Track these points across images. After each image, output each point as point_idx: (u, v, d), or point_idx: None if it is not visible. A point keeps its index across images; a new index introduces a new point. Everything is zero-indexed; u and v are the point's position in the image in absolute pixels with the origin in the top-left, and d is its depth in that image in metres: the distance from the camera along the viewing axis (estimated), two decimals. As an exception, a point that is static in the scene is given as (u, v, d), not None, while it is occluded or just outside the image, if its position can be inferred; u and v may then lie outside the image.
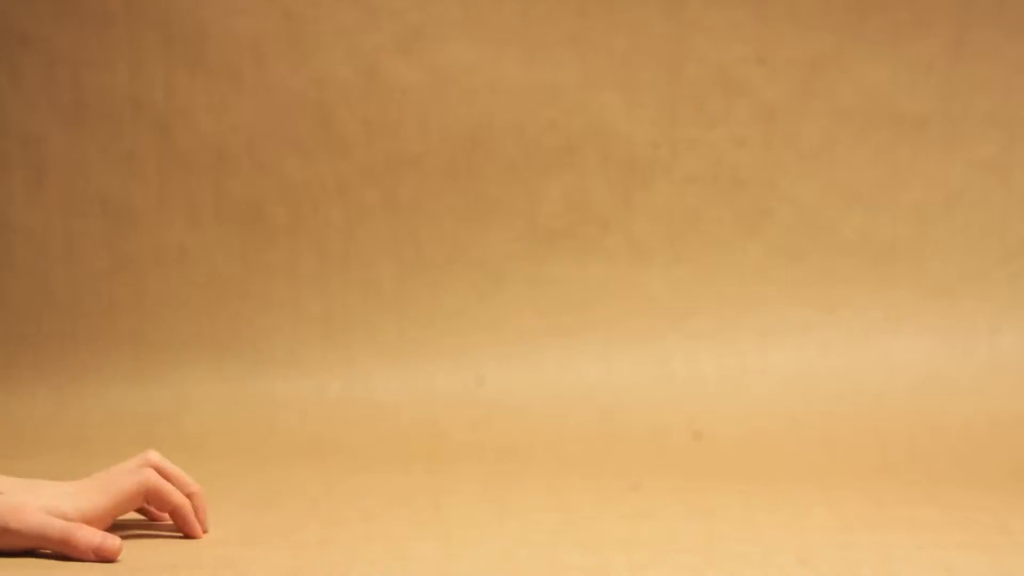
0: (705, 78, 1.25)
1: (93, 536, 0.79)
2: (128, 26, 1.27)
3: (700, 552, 0.82)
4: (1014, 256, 1.25)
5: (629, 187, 1.27)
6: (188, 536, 0.85)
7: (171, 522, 0.86)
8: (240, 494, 0.99)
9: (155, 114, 1.27)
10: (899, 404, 1.21)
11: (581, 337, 1.27)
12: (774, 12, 1.24)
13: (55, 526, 0.79)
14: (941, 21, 1.24)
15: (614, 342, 1.26)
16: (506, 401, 1.24)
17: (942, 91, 1.25)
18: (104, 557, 0.79)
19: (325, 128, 1.27)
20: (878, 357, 1.24)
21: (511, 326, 1.27)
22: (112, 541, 0.79)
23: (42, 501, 0.80)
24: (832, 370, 1.24)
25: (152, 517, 0.88)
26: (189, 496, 0.85)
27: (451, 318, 1.27)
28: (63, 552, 0.79)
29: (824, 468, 1.10)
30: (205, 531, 0.86)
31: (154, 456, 0.86)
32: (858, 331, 1.25)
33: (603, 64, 1.26)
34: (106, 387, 1.26)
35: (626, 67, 1.26)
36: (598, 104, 1.26)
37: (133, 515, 0.86)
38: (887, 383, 1.22)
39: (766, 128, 1.26)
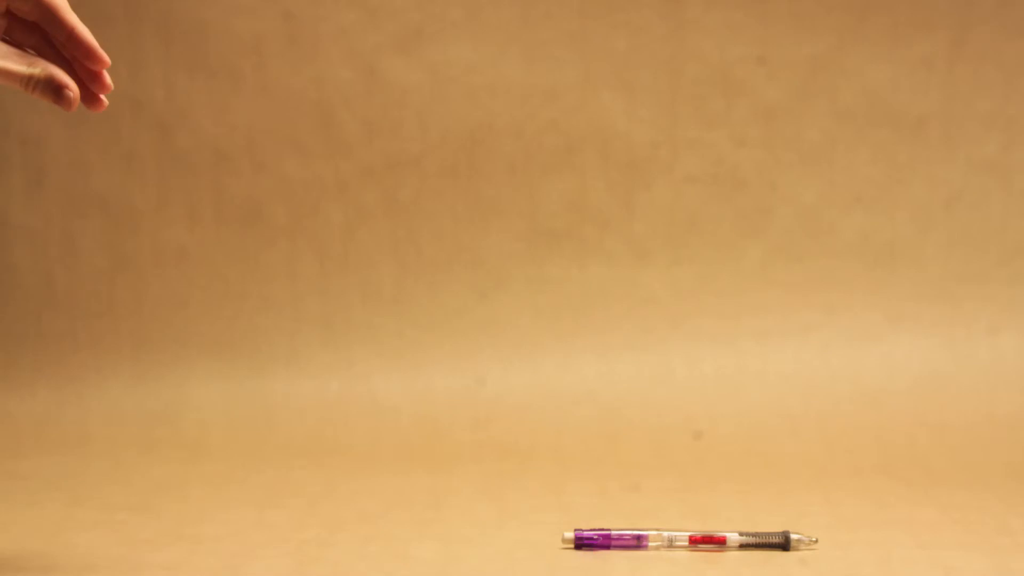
0: (705, 78, 1.25)
1: None
2: (128, 26, 1.27)
3: (699, 552, 0.82)
4: (1014, 257, 1.25)
5: (629, 187, 1.27)
6: (91, 72, 0.73)
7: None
8: (240, 494, 0.99)
9: (155, 114, 1.27)
10: (899, 404, 1.21)
11: (581, 337, 1.27)
12: (774, 12, 1.24)
13: None
14: (941, 21, 1.24)
15: (614, 342, 1.26)
16: (506, 401, 1.24)
17: (942, 91, 1.25)
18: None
19: (325, 128, 1.27)
20: (878, 358, 1.24)
21: (511, 326, 1.27)
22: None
23: None
24: (832, 370, 1.24)
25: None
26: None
27: (451, 318, 1.27)
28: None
29: (824, 468, 1.10)
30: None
31: None
32: (858, 331, 1.25)
33: (603, 64, 1.26)
34: (106, 387, 1.26)
35: (626, 67, 1.26)
36: (598, 104, 1.26)
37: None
38: (887, 383, 1.22)
39: (766, 128, 1.26)
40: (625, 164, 1.27)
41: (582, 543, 0.81)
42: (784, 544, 0.81)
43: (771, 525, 0.87)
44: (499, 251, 1.27)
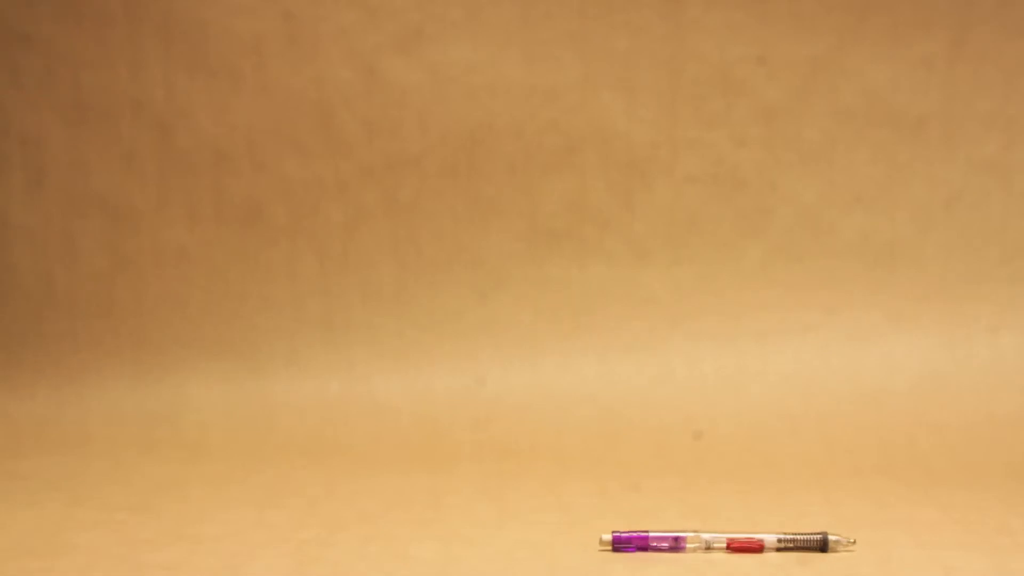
0: (705, 78, 1.25)
1: None
2: (128, 26, 1.27)
3: (699, 552, 0.82)
4: (1014, 257, 1.25)
5: (629, 187, 1.27)
6: None
7: None
8: (240, 494, 0.99)
9: (155, 114, 1.27)
10: (899, 404, 1.21)
11: (581, 337, 1.27)
12: (774, 12, 1.24)
13: None
14: (941, 21, 1.24)
15: (614, 343, 1.26)
16: (506, 401, 1.24)
17: (942, 91, 1.25)
18: None
19: (325, 128, 1.27)
20: (878, 357, 1.24)
21: (511, 327, 1.27)
22: None
23: None
24: (832, 370, 1.24)
25: None
26: None
27: (451, 318, 1.27)
28: None
29: (824, 468, 1.10)
30: None
31: None
32: (858, 332, 1.25)
33: (603, 64, 1.26)
34: (106, 387, 1.26)
35: (626, 67, 1.26)
36: (598, 104, 1.26)
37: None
38: (887, 383, 1.22)
39: (766, 128, 1.26)
40: (625, 164, 1.27)
41: (620, 545, 0.80)
42: (822, 546, 0.79)
43: (771, 525, 0.87)
44: (499, 251, 1.27)
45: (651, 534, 0.80)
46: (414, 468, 1.10)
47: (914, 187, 1.26)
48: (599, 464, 1.12)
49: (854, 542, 0.79)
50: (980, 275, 1.25)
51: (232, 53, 1.26)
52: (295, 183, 1.27)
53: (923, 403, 1.20)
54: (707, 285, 1.26)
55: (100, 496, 0.98)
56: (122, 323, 1.29)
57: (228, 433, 1.21)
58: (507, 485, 1.02)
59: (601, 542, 0.81)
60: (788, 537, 0.80)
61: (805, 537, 0.79)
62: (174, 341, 1.28)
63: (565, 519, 0.89)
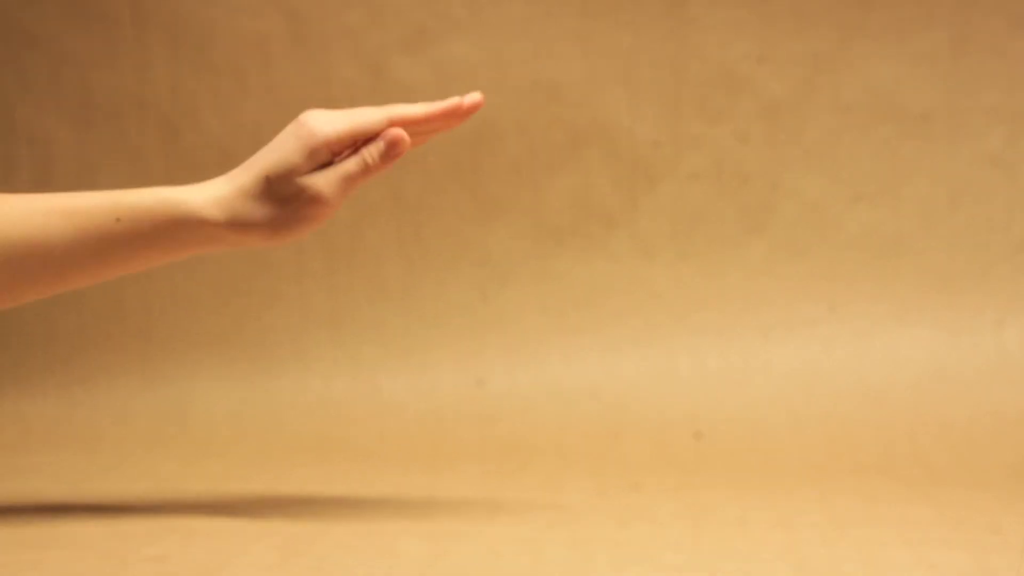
0: (709, 75, 1.25)
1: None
2: (134, 26, 1.28)
3: (686, 551, 0.82)
4: (1019, 250, 1.24)
5: (634, 184, 1.27)
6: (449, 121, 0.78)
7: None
8: (240, 491, 1.00)
9: (161, 114, 1.28)
10: (903, 399, 1.20)
11: (586, 334, 1.27)
12: (777, 9, 1.24)
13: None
14: (944, 15, 1.23)
15: (619, 339, 1.26)
16: (511, 398, 1.24)
17: (946, 85, 1.24)
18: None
19: (331, 127, 1.27)
20: (883, 352, 1.23)
21: (516, 323, 1.27)
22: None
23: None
24: (836, 365, 1.23)
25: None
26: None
27: (456, 315, 1.28)
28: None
29: (824, 466, 1.10)
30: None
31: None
32: (863, 326, 1.24)
33: (607, 62, 1.26)
34: (114, 385, 1.27)
35: (630, 65, 1.26)
36: (602, 102, 1.26)
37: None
38: (891, 378, 1.22)
39: (770, 124, 1.25)
40: (629, 161, 1.26)
41: None
42: None
43: (766, 522, 0.86)
44: (505, 248, 1.28)
45: None
46: (417, 465, 1.10)
47: (918, 182, 1.25)
48: (600, 462, 1.12)
49: None
50: (985, 269, 1.24)
51: (238, 53, 1.27)
52: (301, 181, 1.28)
53: (926, 399, 1.20)
54: (711, 281, 1.26)
55: (101, 491, 0.99)
56: (130, 321, 1.30)
57: (235, 430, 1.22)
58: (505, 483, 1.03)
59: None
60: None
61: None
62: (182, 339, 1.29)
63: (557, 517, 0.89)
